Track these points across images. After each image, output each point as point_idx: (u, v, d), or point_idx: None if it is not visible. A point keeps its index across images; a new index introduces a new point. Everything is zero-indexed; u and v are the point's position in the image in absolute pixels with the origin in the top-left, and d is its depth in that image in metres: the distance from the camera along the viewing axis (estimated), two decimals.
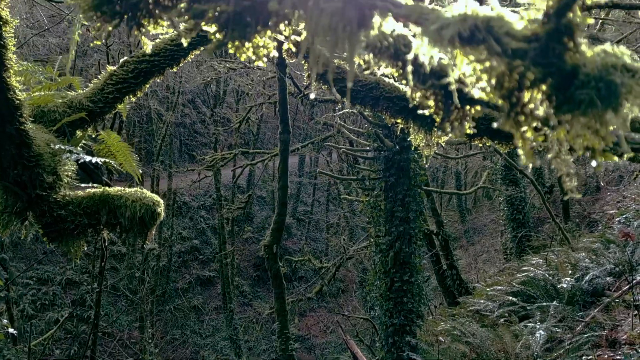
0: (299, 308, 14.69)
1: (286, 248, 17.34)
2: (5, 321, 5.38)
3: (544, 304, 6.69)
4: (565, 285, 6.79)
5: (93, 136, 2.88)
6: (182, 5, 0.68)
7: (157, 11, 0.72)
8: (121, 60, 2.67)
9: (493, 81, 0.49)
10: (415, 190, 8.04)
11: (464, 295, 9.55)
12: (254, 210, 18.82)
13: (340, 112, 8.44)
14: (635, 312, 5.82)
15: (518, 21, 0.47)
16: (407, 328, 7.79)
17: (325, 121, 10.04)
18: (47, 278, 13.65)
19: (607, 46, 0.48)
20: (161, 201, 2.66)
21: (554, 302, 6.64)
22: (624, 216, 7.95)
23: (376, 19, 0.52)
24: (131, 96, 2.72)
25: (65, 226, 2.43)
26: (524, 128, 0.49)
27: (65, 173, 2.53)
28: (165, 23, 0.78)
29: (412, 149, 7.63)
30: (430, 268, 10.63)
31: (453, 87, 0.50)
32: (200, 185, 15.66)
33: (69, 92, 2.74)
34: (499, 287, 7.70)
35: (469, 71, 0.50)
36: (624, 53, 0.48)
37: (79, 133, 2.78)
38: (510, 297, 7.11)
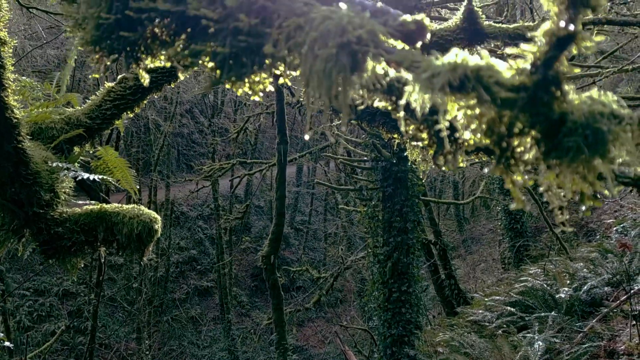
0: (297, 318, 14.59)
1: (284, 258, 17.28)
2: (1, 334, 5.33)
3: (543, 314, 6.67)
4: (563, 296, 6.78)
5: (91, 152, 2.89)
6: (179, 43, 0.69)
7: (155, 47, 0.73)
8: (119, 76, 2.68)
9: (484, 126, 0.50)
10: (413, 201, 8.05)
11: (462, 305, 9.53)
12: (251, 220, 18.78)
13: (337, 123, 8.47)
14: (634, 322, 5.82)
15: (507, 70, 0.49)
16: (406, 339, 7.75)
17: (323, 131, 10.08)
18: (44, 289, 13.56)
19: (594, 92, 0.50)
20: (158, 218, 2.66)
21: (552, 313, 6.63)
22: (622, 225, 7.97)
23: (369, 63, 0.54)
24: (129, 112, 2.73)
25: (62, 243, 2.43)
26: (514, 173, 0.50)
27: (63, 190, 2.53)
28: (162, 57, 0.79)
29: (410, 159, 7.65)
30: (429, 278, 10.60)
31: (444, 134, 0.51)
32: (198, 195, 15.64)
33: (67, 109, 2.75)
34: (497, 297, 7.69)
35: (460, 116, 0.51)
36: (611, 99, 0.49)
37: (76, 149, 2.78)
38: (509, 308, 7.09)
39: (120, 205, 2.57)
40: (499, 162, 0.50)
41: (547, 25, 0.46)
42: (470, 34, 2.41)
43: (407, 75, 0.51)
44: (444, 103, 0.48)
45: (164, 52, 0.76)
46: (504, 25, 2.48)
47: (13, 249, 2.31)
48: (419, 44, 0.55)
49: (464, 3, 2.42)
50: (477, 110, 0.48)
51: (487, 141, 0.49)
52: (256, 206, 19.39)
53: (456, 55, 0.48)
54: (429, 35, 0.57)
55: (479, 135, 0.49)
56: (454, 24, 2.49)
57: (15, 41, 1.88)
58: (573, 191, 0.49)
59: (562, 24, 0.44)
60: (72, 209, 2.54)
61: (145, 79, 0.80)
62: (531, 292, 7.32)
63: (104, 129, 2.83)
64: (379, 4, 0.58)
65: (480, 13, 2.49)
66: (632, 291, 6.22)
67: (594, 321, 6.50)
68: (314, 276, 11.82)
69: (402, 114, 0.54)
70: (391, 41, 0.52)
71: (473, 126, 0.49)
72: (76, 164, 2.72)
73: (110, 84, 2.66)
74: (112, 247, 2.60)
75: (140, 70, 0.80)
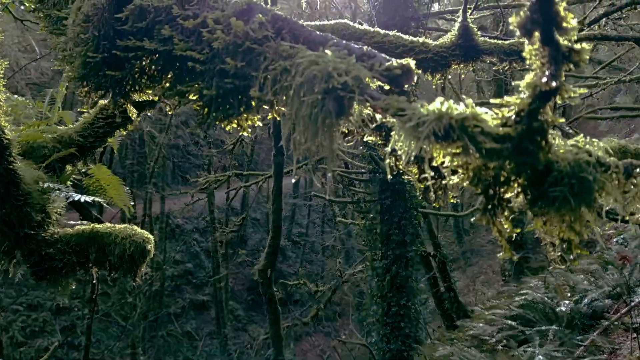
0: (295, 333, 14.44)
1: (281, 271, 17.17)
2: None
3: (543, 328, 6.62)
4: (564, 309, 6.74)
5: (83, 170, 2.87)
6: (166, 81, 0.69)
7: (142, 83, 0.73)
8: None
9: (470, 173, 0.50)
10: (411, 213, 8.03)
11: (462, 319, 9.46)
12: (248, 233, 18.69)
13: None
14: (635, 335, 5.78)
15: (492, 120, 0.48)
16: (405, 354, 7.67)
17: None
18: (37, 304, 13.39)
19: (580, 139, 0.49)
20: (151, 237, 2.64)
21: (553, 326, 6.58)
22: (622, 236, 7.96)
23: (356, 108, 0.53)
24: (122, 130, 2.73)
25: (54, 265, 2.40)
26: (502, 222, 0.49)
27: (54, 210, 2.51)
28: (150, 92, 0.79)
29: None
30: (428, 290, 10.54)
31: (429, 183, 0.51)
32: (193, 207, 15.57)
33: (59, 127, 2.74)
34: (498, 311, 7.63)
35: (446, 162, 0.51)
36: (597, 146, 0.48)
37: (69, 168, 2.77)
38: (509, 321, 7.04)
39: (112, 225, 2.54)
40: (486, 211, 0.49)
41: (530, 77, 0.45)
42: (466, 50, 2.42)
43: (393, 121, 0.51)
44: (430, 151, 0.48)
45: (151, 89, 0.76)
46: (499, 42, 2.49)
47: (3, 270, 2.28)
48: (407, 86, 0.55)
49: (460, 18, 2.44)
50: (463, 160, 0.47)
51: (473, 188, 0.49)
52: (253, 218, 19.32)
53: (441, 104, 0.48)
54: (415, 78, 0.57)
55: (466, 180, 0.49)
56: (449, 40, 2.50)
57: (6, 63, 1.88)
58: (561, 239, 0.48)
59: (544, 79, 0.44)
60: (64, 230, 2.51)
61: (134, 114, 0.80)
62: (532, 305, 7.28)
63: (97, 147, 2.83)
64: (365, 48, 0.58)
65: (476, 29, 2.51)
66: (632, 304, 6.20)
67: (594, 334, 6.46)
68: (311, 290, 11.74)
69: (388, 149, 0.54)
70: (378, 83, 0.52)
71: (460, 172, 0.49)
72: (68, 182, 2.71)
73: (103, 102, 2.65)
74: (104, 267, 2.57)
75: (129, 105, 0.80)
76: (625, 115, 5.91)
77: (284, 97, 0.57)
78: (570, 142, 0.49)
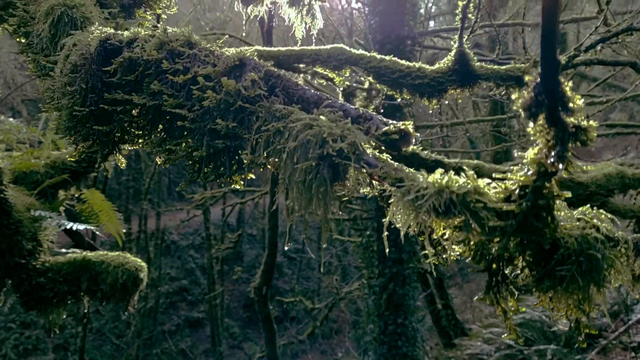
0: (291, 351, 14.23)
1: (277, 287, 16.99)
2: None
3: (542, 347, 6.55)
4: (562, 327, 6.69)
5: (76, 196, 2.83)
6: (155, 135, 0.66)
7: (131, 135, 0.70)
8: None
9: (472, 248, 0.47)
10: (408, 230, 7.99)
11: (459, 337, 9.35)
12: (244, 249, 18.55)
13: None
14: (633, 354, 5.73)
15: (495, 194, 0.46)
16: None
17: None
18: (30, 322, 13.17)
19: (587, 210, 0.47)
20: (144, 265, 2.60)
21: (552, 345, 6.51)
22: None
23: (351, 173, 0.51)
24: (116, 154, 2.69)
25: (44, 294, 2.35)
26: (506, 299, 0.47)
27: (46, 238, 2.46)
28: (141, 141, 0.76)
29: None
30: (425, 308, 10.44)
31: (430, 260, 0.48)
32: (189, 224, 15.47)
33: (52, 152, 2.72)
34: (495, 329, 7.55)
35: (447, 234, 0.48)
36: (604, 219, 0.46)
37: (61, 193, 2.73)
38: (507, 341, 6.97)
39: (105, 252, 2.51)
40: (489, 289, 0.47)
41: (534, 151, 0.43)
42: (463, 75, 2.42)
43: (391, 189, 0.49)
44: (429, 225, 0.46)
45: (142, 137, 0.73)
46: (495, 67, 2.50)
47: None
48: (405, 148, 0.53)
49: (456, 43, 2.45)
50: (465, 234, 0.45)
51: (476, 264, 0.47)
52: (248, 234, 19.19)
53: (442, 176, 0.45)
54: (413, 140, 0.55)
55: (467, 257, 0.46)
56: (446, 66, 2.50)
57: None
58: (568, 317, 0.46)
59: (551, 160, 0.42)
60: (55, 258, 2.46)
61: (123, 163, 0.77)
62: (529, 323, 7.21)
63: (91, 172, 2.80)
64: (361, 110, 0.56)
65: (472, 53, 2.52)
66: (630, 322, 6.16)
67: (593, 353, 6.40)
68: (308, 307, 11.61)
69: (386, 221, 0.51)
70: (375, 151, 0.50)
71: (460, 246, 0.47)
72: (61, 207, 2.67)
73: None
74: (96, 297, 2.52)
75: (118, 156, 0.77)
76: (620, 132, 5.96)
77: (277, 160, 0.55)
78: (577, 214, 0.47)
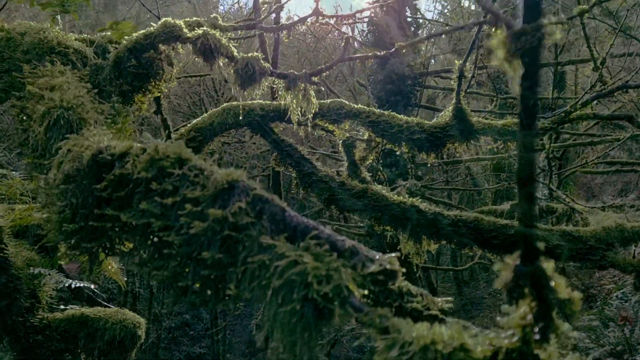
0: None
1: None
2: None
3: None
4: None
5: None
6: (143, 250, 0.67)
7: (120, 247, 0.70)
8: None
9: None
10: (410, 267, 7.89)
11: None
12: None
13: None
14: None
15: (481, 351, 0.45)
16: None
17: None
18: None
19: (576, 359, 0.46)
20: (143, 321, 2.57)
21: None
22: (621, 291, 7.78)
23: (337, 314, 0.50)
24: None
25: (41, 352, 2.32)
26: None
27: (45, 294, 2.45)
28: (128, 257, 0.76)
29: None
30: None
31: None
32: None
33: None
34: None
35: None
36: None
37: (62, 247, 2.73)
38: None
39: (103, 309, 2.48)
40: None
41: (518, 316, 0.43)
42: (460, 130, 2.46)
43: (375, 335, 0.48)
44: None
45: (128, 258, 0.73)
46: (492, 122, 2.53)
47: None
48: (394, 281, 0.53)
49: (454, 100, 2.49)
50: None
51: None
52: None
53: (427, 331, 0.45)
54: (400, 276, 0.55)
55: None
56: (444, 121, 2.54)
57: None
58: None
59: (535, 333, 0.41)
60: (53, 314, 2.43)
61: (113, 268, 0.77)
62: None
63: None
64: (348, 244, 0.56)
65: (469, 110, 2.56)
66: None
67: None
68: None
69: None
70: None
71: None
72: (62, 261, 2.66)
73: None
74: (93, 354, 2.48)
75: (108, 260, 0.77)
76: (620, 170, 5.97)
77: (262, 295, 0.54)
78: None
